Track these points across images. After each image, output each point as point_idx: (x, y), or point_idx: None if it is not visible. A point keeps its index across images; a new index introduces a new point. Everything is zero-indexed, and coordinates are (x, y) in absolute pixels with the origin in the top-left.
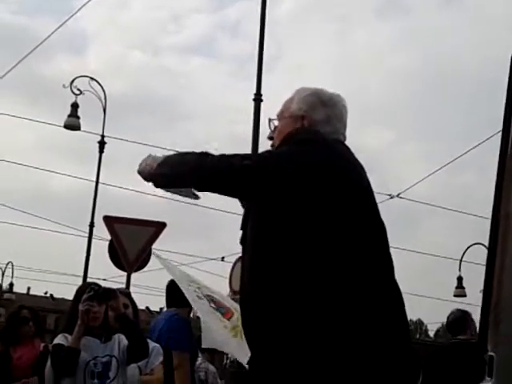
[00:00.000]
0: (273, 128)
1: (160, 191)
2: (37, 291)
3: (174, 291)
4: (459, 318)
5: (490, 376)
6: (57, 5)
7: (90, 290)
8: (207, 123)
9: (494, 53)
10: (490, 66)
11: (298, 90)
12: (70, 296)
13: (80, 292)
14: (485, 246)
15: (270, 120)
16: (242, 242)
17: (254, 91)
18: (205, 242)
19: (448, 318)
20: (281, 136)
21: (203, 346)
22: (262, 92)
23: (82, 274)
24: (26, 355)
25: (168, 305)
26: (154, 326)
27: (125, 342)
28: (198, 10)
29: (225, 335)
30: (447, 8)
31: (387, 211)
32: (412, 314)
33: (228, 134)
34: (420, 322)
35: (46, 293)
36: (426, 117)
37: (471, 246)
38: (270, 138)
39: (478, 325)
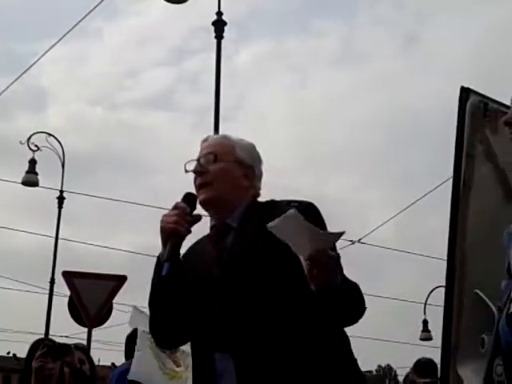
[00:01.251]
0: (203, 163)
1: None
2: None
3: (130, 343)
4: (430, 363)
5: None
6: (18, 63)
7: (43, 346)
8: (170, 176)
9: (451, 98)
10: (447, 112)
11: (235, 139)
12: None
13: (33, 349)
14: None
15: (198, 159)
16: None
17: None
18: None
19: (418, 361)
20: (228, 179)
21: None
22: None
23: (43, 331)
24: None
25: (126, 357)
26: (110, 380)
27: None
28: (156, 64)
29: (156, 373)
30: (403, 55)
31: (349, 257)
32: (381, 359)
33: (192, 186)
34: (389, 368)
35: (8, 353)
36: (386, 163)
37: (435, 288)
38: (200, 172)
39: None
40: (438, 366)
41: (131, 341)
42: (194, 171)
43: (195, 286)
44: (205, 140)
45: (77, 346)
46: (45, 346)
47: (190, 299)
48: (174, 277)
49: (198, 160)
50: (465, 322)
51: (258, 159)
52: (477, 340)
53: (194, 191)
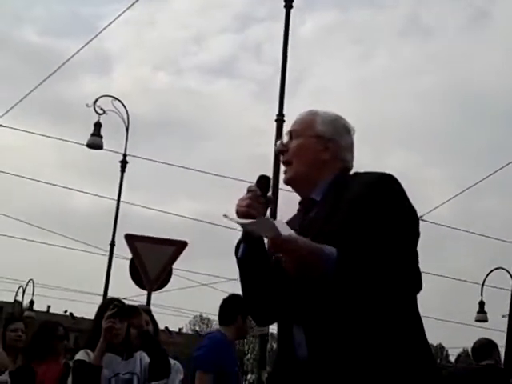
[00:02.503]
0: (285, 142)
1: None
2: (56, 309)
3: (223, 308)
4: (486, 344)
5: None
6: (83, 26)
7: (113, 307)
8: (229, 144)
9: None
10: None
11: (319, 113)
12: (90, 315)
13: (103, 308)
14: (506, 270)
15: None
16: None
17: (277, 112)
18: (224, 263)
19: (474, 344)
20: (307, 155)
21: None
22: (285, 113)
23: (102, 292)
24: (52, 371)
25: (219, 322)
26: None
27: (146, 359)
28: (221, 31)
29: None
30: (471, 31)
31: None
32: (433, 338)
33: (250, 155)
34: (441, 347)
35: (65, 311)
36: (451, 141)
37: (493, 270)
38: (281, 151)
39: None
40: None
41: (222, 307)
42: (277, 151)
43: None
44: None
45: (142, 308)
46: (114, 307)
47: (271, 277)
48: (247, 258)
49: (281, 139)
50: None
51: (342, 130)
52: None
53: (266, 173)
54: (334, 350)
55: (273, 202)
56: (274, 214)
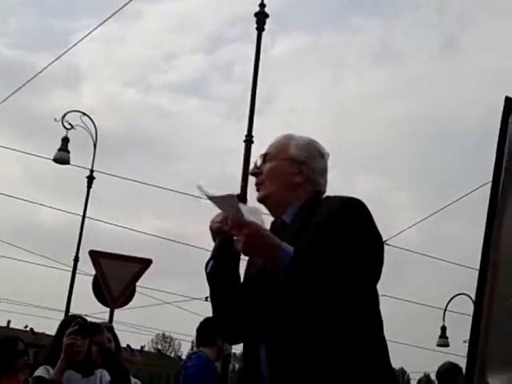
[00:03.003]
0: (259, 165)
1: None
2: (17, 324)
3: (202, 330)
4: (450, 370)
5: None
6: (54, 40)
7: (75, 324)
8: (198, 163)
9: (487, 102)
10: (483, 116)
11: (294, 137)
12: (51, 330)
13: (64, 325)
14: (469, 296)
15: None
16: None
17: (245, 133)
18: (189, 282)
19: (439, 368)
20: (279, 177)
21: None
22: (254, 133)
23: (63, 308)
24: None
25: (198, 343)
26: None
27: (107, 377)
28: (192, 51)
29: None
30: (443, 58)
31: None
32: (395, 362)
33: (219, 174)
34: (402, 371)
35: (26, 326)
36: (419, 166)
37: (456, 295)
38: (255, 173)
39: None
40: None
41: (201, 328)
42: (250, 173)
43: (248, 282)
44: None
45: (104, 326)
46: (76, 324)
47: (238, 293)
48: (216, 273)
49: (255, 162)
50: (496, 331)
51: (316, 154)
52: (509, 350)
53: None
54: (293, 369)
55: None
56: None
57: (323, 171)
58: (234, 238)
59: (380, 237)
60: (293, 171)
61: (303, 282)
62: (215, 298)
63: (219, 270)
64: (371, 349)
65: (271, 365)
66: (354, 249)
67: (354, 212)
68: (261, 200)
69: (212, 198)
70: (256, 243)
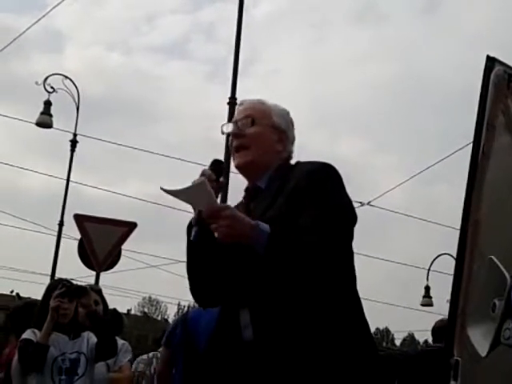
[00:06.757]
0: (241, 127)
1: (128, 192)
2: (2, 289)
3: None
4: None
5: (456, 380)
6: (33, 3)
7: (61, 287)
8: (182, 126)
9: (469, 64)
10: (465, 78)
11: (271, 104)
12: (37, 295)
13: (51, 288)
14: (452, 256)
15: (235, 122)
16: None
17: (229, 95)
18: (175, 245)
19: (434, 324)
20: (264, 144)
21: None
22: (237, 96)
23: (49, 272)
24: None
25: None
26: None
27: (94, 339)
28: (173, 11)
29: None
30: (425, 17)
31: (358, 219)
32: (379, 322)
33: (202, 138)
34: (387, 331)
35: (11, 291)
36: (400, 127)
37: (439, 255)
38: (237, 134)
39: None
40: None
41: None
42: (232, 133)
43: (227, 249)
44: (241, 104)
45: (92, 288)
46: (63, 287)
47: (219, 261)
48: (200, 241)
49: (236, 122)
50: (476, 287)
51: (291, 124)
52: (487, 305)
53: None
54: (277, 331)
55: (224, 186)
56: (224, 199)
57: (294, 141)
58: (212, 226)
59: (350, 201)
60: (275, 139)
61: (282, 257)
62: (194, 264)
63: (202, 237)
64: (347, 304)
65: (256, 328)
66: (327, 212)
67: (325, 177)
68: (242, 165)
69: (180, 193)
70: (234, 232)
